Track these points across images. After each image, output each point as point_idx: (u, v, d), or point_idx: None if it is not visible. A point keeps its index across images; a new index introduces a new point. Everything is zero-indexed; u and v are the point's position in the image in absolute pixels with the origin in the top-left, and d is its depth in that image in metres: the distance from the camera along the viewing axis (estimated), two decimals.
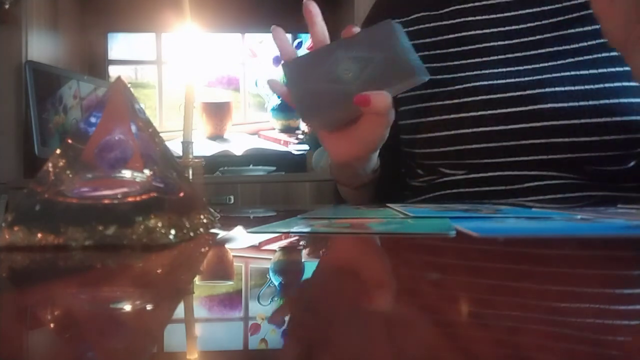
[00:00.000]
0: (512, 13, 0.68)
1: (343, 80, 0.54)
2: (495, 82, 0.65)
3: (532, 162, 0.63)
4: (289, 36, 2.47)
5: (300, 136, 2.22)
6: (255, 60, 2.24)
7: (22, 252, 0.28)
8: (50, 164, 0.31)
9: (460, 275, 0.21)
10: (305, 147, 2.20)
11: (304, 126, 2.23)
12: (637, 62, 0.50)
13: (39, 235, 0.28)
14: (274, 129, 2.25)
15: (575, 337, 0.13)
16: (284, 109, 2.24)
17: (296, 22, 2.44)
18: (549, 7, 0.66)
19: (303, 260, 0.27)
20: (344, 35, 0.56)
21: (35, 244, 0.28)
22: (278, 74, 2.23)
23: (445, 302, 0.17)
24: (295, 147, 2.23)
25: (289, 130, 2.25)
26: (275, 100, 2.24)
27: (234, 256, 0.29)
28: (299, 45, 2.26)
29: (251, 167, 2.04)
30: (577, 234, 0.31)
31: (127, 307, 0.17)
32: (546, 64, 0.64)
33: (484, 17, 0.70)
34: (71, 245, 0.28)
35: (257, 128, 2.24)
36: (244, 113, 2.24)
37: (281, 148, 2.23)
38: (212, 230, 0.37)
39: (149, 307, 0.17)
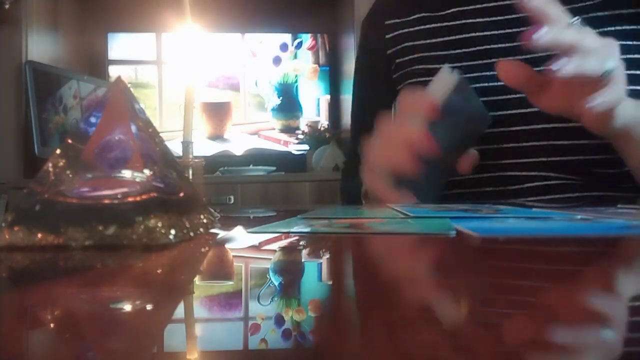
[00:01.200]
0: (513, 15, 0.68)
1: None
2: (495, 84, 0.65)
3: (532, 164, 0.63)
4: (288, 36, 2.46)
5: (300, 136, 2.22)
6: (255, 60, 2.24)
7: (22, 252, 0.28)
8: (50, 164, 0.31)
9: (460, 275, 0.21)
10: (305, 147, 2.20)
11: (304, 126, 2.23)
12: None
13: (39, 235, 0.28)
14: (274, 129, 2.25)
15: (575, 337, 0.13)
16: (284, 109, 2.25)
17: (295, 22, 2.43)
18: None
19: (303, 260, 0.27)
20: (426, 112, 0.54)
21: (35, 244, 0.28)
22: (278, 74, 2.23)
23: (445, 303, 0.17)
24: (295, 147, 2.23)
25: (289, 130, 2.25)
26: (276, 100, 2.24)
27: (234, 256, 0.29)
28: (299, 45, 2.26)
29: (251, 167, 2.04)
30: (577, 234, 0.31)
31: (127, 307, 0.17)
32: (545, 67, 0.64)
33: (485, 19, 0.70)
34: (71, 245, 0.28)
35: (257, 128, 2.24)
36: (244, 113, 2.24)
37: (281, 148, 2.23)
38: (212, 230, 0.37)
39: (149, 307, 0.17)
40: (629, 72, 0.55)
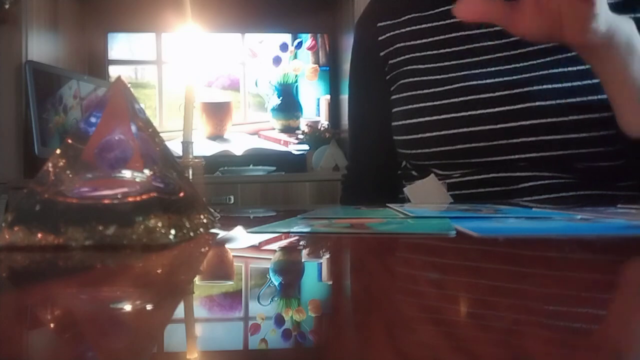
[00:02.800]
0: None
1: None
2: (484, 81, 0.65)
3: (524, 161, 0.63)
4: (288, 36, 2.46)
5: (300, 136, 2.22)
6: (255, 60, 2.24)
7: (22, 252, 0.28)
8: (50, 164, 0.31)
9: (461, 275, 0.21)
10: (305, 147, 2.20)
11: (304, 126, 2.23)
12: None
13: (39, 235, 0.28)
14: (274, 129, 2.25)
15: (575, 336, 0.13)
16: (284, 109, 2.25)
17: (295, 22, 2.43)
18: None
19: (303, 260, 0.27)
20: None
21: (35, 244, 0.28)
22: (278, 74, 2.23)
23: (445, 302, 0.17)
24: (295, 147, 2.23)
25: (289, 130, 2.25)
26: (276, 100, 2.24)
27: (234, 256, 0.29)
28: (299, 45, 2.26)
29: (251, 167, 2.04)
30: (577, 234, 0.31)
31: (127, 307, 0.17)
32: (534, 62, 0.64)
33: None
34: (71, 245, 0.28)
35: (257, 128, 2.24)
36: (244, 113, 2.24)
37: (281, 148, 2.23)
38: (212, 230, 0.37)
39: (149, 307, 0.17)
40: None
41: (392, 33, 0.76)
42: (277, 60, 2.24)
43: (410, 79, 0.72)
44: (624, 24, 0.51)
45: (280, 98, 2.24)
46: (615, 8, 0.63)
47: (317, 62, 2.28)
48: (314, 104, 2.28)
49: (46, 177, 0.31)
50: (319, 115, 2.28)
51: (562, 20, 0.48)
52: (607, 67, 0.53)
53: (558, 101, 0.60)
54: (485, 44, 0.68)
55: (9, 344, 0.14)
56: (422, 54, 0.72)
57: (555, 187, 0.62)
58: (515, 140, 0.63)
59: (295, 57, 2.26)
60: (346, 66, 2.16)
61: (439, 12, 0.73)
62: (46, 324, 0.16)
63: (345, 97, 2.20)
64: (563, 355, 0.12)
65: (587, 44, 0.51)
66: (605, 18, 0.49)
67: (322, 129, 2.22)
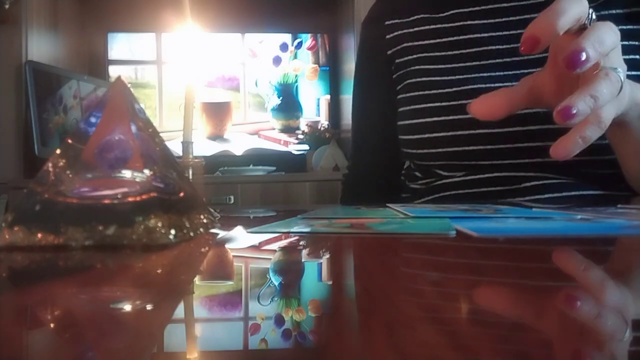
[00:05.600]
0: (511, 18, 0.68)
1: None
2: (493, 85, 0.65)
3: (529, 164, 0.63)
4: (288, 36, 2.47)
5: (300, 136, 2.22)
6: (255, 60, 2.24)
7: (22, 252, 0.28)
8: (50, 164, 0.31)
9: (460, 275, 0.21)
10: (305, 147, 2.20)
11: (304, 126, 2.23)
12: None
13: (39, 235, 0.28)
14: (274, 129, 2.25)
15: (575, 336, 0.13)
16: (284, 109, 2.25)
17: (295, 22, 2.43)
18: None
19: (303, 260, 0.27)
20: None
21: (35, 244, 0.28)
22: (278, 74, 2.23)
23: (445, 302, 0.17)
24: (295, 147, 2.23)
25: (289, 130, 2.25)
26: (276, 100, 2.24)
27: (234, 256, 0.29)
28: (299, 45, 2.26)
29: (251, 167, 2.04)
30: (577, 234, 0.31)
31: (127, 307, 0.17)
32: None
33: (483, 21, 0.70)
34: (71, 245, 0.28)
35: (257, 128, 2.24)
36: (244, 113, 2.24)
37: (281, 148, 2.23)
38: (212, 230, 0.37)
39: (149, 307, 0.17)
40: (627, 73, 0.54)
41: (399, 32, 0.76)
42: (277, 60, 2.24)
43: (418, 79, 0.72)
44: (638, 93, 0.49)
45: (280, 98, 2.24)
46: (595, 8, 0.64)
47: (317, 62, 2.28)
48: (314, 104, 2.28)
49: (46, 177, 0.31)
50: (319, 115, 2.28)
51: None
52: (618, 138, 0.53)
53: None
54: (494, 47, 0.68)
55: (9, 344, 0.14)
56: (430, 54, 0.72)
57: (556, 187, 0.62)
58: (521, 145, 0.63)
59: (295, 57, 2.26)
60: (346, 66, 2.17)
61: (448, 14, 0.73)
62: (46, 324, 0.16)
63: (345, 97, 2.20)
64: (563, 354, 0.12)
65: None
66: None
67: (322, 129, 2.22)
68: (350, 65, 2.03)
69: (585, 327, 0.14)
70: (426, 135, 0.68)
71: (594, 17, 0.46)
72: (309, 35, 2.27)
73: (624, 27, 0.63)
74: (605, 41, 0.44)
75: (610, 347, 0.13)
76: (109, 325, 0.15)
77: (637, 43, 0.63)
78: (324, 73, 2.28)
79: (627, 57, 0.62)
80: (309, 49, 2.28)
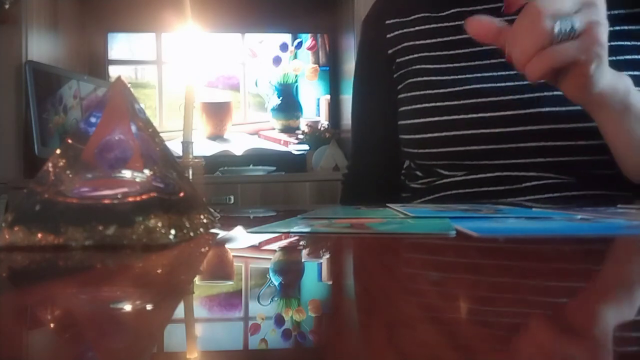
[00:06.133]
0: (513, 17, 0.68)
1: None
2: (494, 84, 0.65)
3: (529, 164, 0.63)
4: (288, 36, 2.46)
5: (300, 136, 2.22)
6: (255, 60, 2.23)
7: (22, 252, 0.28)
8: (50, 164, 0.31)
9: (460, 275, 0.21)
10: (305, 147, 2.20)
11: (304, 126, 2.23)
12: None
13: (39, 235, 0.28)
14: (274, 129, 2.25)
15: (574, 336, 0.13)
16: (284, 109, 2.25)
17: (295, 22, 2.43)
18: None
19: (303, 260, 0.27)
20: None
21: (35, 244, 0.28)
22: (278, 74, 2.23)
23: (445, 302, 0.17)
24: (295, 147, 2.23)
25: (289, 130, 2.25)
26: (276, 100, 2.24)
27: (234, 256, 0.29)
28: (299, 45, 2.26)
29: (251, 167, 2.04)
30: (577, 234, 0.31)
31: (127, 307, 0.17)
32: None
33: None
34: (71, 245, 0.28)
35: (257, 128, 2.24)
36: (244, 113, 2.24)
37: (281, 148, 2.23)
38: (212, 230, 0.37)
39: (149, 307, 0.17)
40: (625, 72, 0.55)
41: (400, 31, 0.76)
42: (277, 60, 2.24)
43: (419, 78, 0.72)
44: (619, 82, 0.52)
45: (280, 98, 2.24)
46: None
47: (317, 62, 2.28)
48: (314, 104, 2.28)
49: (46, 177, 0.31)
50: (319, 115, 2.28)
51: (559, 74, 0.49)
52: (601, 120, 0.55)
53: (567, 107, 0.60)
54: (494, 47, 0.68)
55: (9, 344, 0.14)
56: (432, 53, 0.72)
57: (556, 187, 0.62)
58: (522, 145, 0.63)
59: (295, 57, 2.26)
60: (346, 66, 2.17)
61: (449, 14, 0.72)
62: (46, 324, 0.16)
63: (345, 97, 2.20)
64: (563, 354, 0.12)
65: (580, 100, 0.53)
66: (600, 80, 0.50)
67: (322, 129, 2.22)
68: (350, 65, 2.03)
69: (585, 327, 0.14)
70: (427, 135, 0.68)
71: None
72: (309, 35, 2.27)
73: (625, 27, 0.63)
74: (561, 1, 0.47)
75: (610, 347, 0.13)
76: (109, 325, 0.15)
77: (637, 43, 0.63)
78: (324, 73, 2.28)
79: (627, 57, 0.63)
80: (309, 49, 2.28)
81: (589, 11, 0.47)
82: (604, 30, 0.47)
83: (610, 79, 0.50)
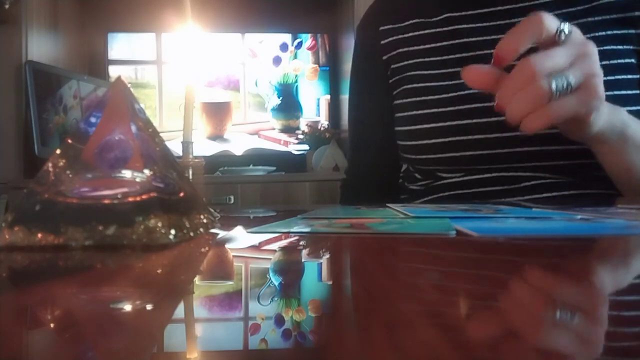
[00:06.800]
0: (506, 21, 0.68)
1: None
2: None
3: (527, 168, 0.63)
4: (288, 36, 2.47)
5: (300, 136, 2.22)
6: (255, 60, 2.24)
7: (22, 252, 0.28)
8: (50, 164, 0.31)
9: (460, 275, 0.21)
10: (305, 147, 2.20)
11: (304, 126, 2.23)
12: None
13: (39, 235, 0.28)
14: (274, 129, 2.25)
15: (574, 335, 0.13)
16: (284, 109, 2.25)
17: (295, 22, 2.43)
18: None
19: (303, 260, 0.27)
20: None
21: (35, 244, 0.28)
22: (278, 74, 2.23)
23: (445, 302, 0.17)
24: (295, 147, 2.23)
25: (289, 130, 2.25)
26: (275, 100, 2.24)
27: (234, 256, 0.29)
28: (299, 45, 2.26)
29: (251, 167, 2.04)
30: (577, 234, 0.31)
31: (127, 307, 0.17)
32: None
33: (478, 24, 0.70)
34: (71, 245, 0.28)
35: (257, 128, 2.24)
36: (244, 113, 2.24)
37: (281, 148, 2.23)
38: (212, 230, 0.37)
39: (149, 307, 0.17)
40: (618, 76, 0.55)
41: (394, 37, 0.76)
42: (277, 60, 2.24)
43: (414, 85, 0.71)
44: (616, 117, 0.52)
45: (280, 98, 2.24)
46: (587, 13, 0.64)
47: (317, 62, 2.28)
48: (314, 104, 2.28)
49: (46, 177, 0.31)
50: (319, 115, 2.28)
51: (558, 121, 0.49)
52: (600, 153, 0.57)
53: None
54: (489, 51, 0.68)
55: (9, 344, 0.14)
56: (426, 59, 0.72)
57: (554, 186, 0.62)
58: (519, 149, 0.63)
59: (295, 57, 2.26)
60: (346, 66, 2.17)
61: (442, 19, 0.72)
62: (46, 324, 0.16)
63: (345, 97, 2.20)
64: (564, 354, 0.12)
65: (579, 139, 0.54)
66: (598, 123, 0.50)
67: (322, 129, 2.22)
68: (350, 65, 2.02)
69: (585, 327, 0.14)
70: (424, 142, 0.68)
71: (566, 29, 0.48)
72: (309, 35, 2.27)
73: (617, 31, 0.63)
74: (554, 57, 0.47)
75: (610, 347, 0.13)
76: (109, 325, 0.15)
77: (629, 47, 0.63)
78: (324, 73, 2.28)
79: (620, 60, 0.63)
80: (309, 49, 2.28)
81: (584, 64, 0.47)
82: (599, 82, 0.48)
83: (607, 118, 0.51)
